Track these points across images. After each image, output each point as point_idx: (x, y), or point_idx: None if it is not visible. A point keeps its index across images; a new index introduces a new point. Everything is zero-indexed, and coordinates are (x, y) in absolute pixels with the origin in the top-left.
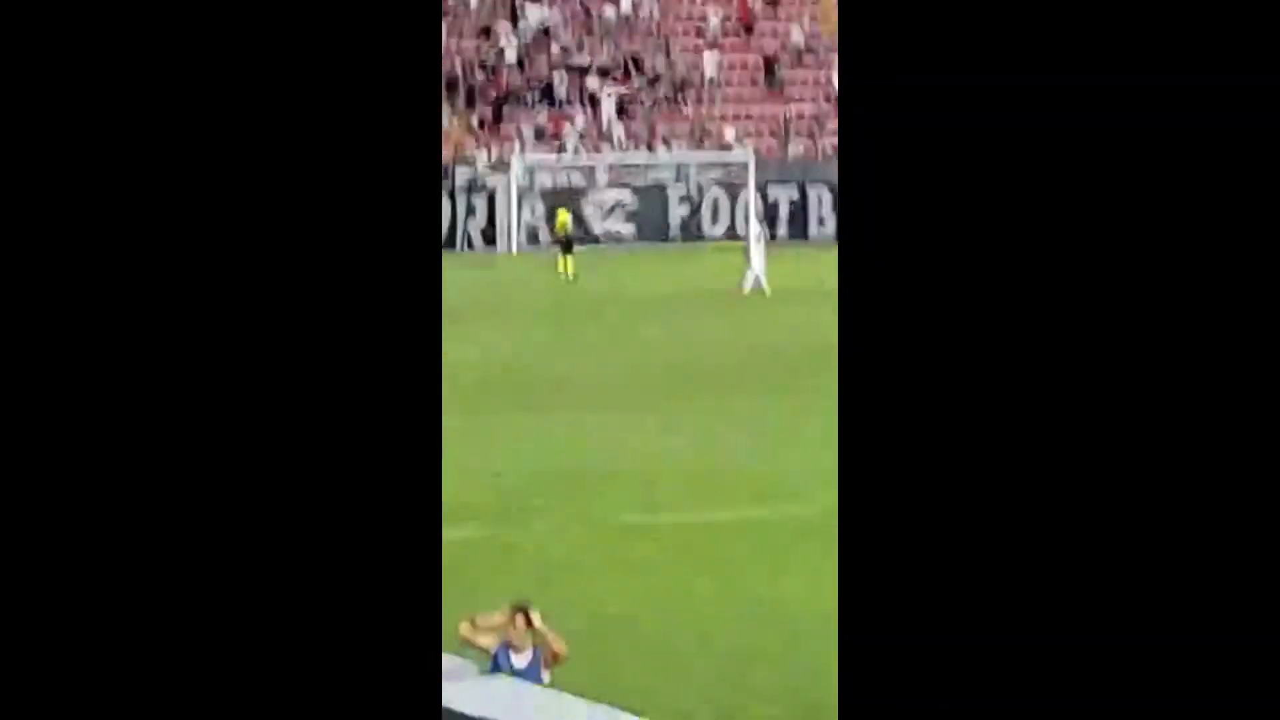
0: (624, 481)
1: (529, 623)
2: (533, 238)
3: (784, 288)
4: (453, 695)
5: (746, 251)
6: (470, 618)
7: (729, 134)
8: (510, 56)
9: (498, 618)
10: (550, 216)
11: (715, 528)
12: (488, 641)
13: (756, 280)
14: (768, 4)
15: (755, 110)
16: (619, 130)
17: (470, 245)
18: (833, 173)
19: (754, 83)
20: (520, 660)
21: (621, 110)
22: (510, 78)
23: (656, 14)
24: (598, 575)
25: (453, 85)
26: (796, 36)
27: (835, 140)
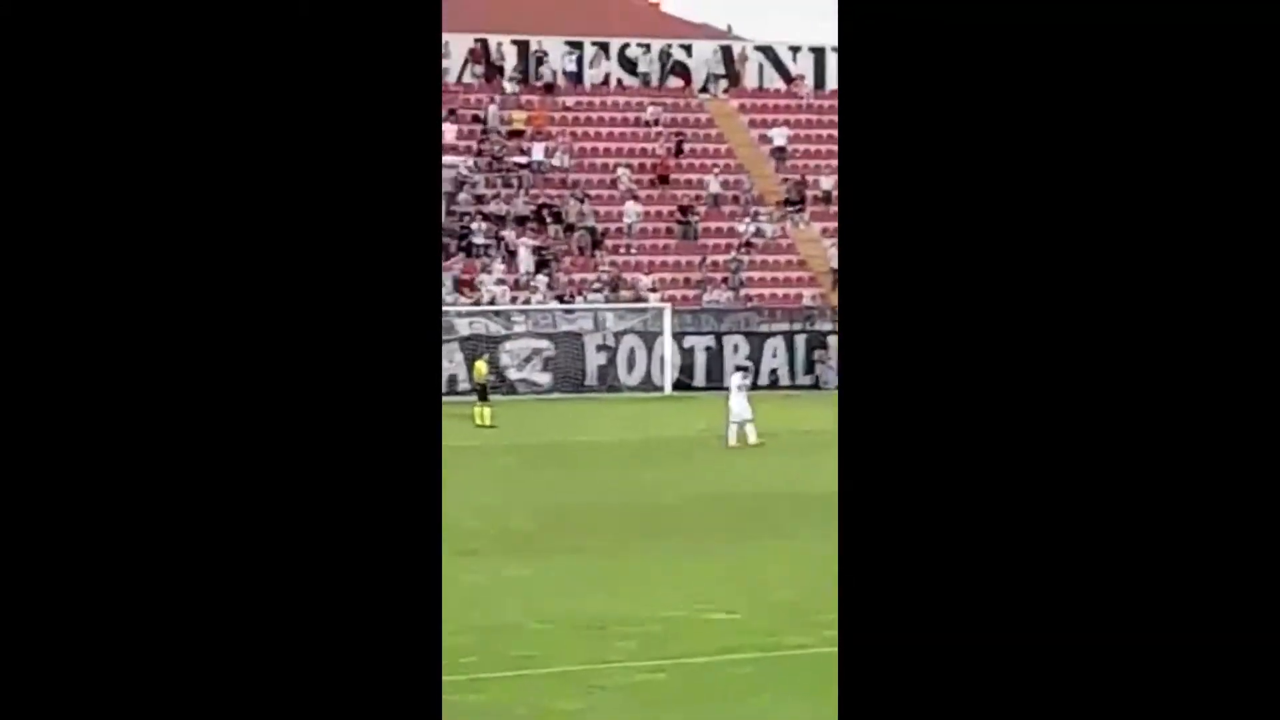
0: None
1: None
2: (451, 386)
3: (690, 437)
4: None
5: (727, 401)
6: None
7: (645, 282)
8: None
9: None
10: (469, 364)
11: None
12: None
13: (741, 430)
14: (680, 155)
15: (671, 259)
16: (537, 279)
17: None
18: (748, 321)
19: (669, 232)
20: None
21: (539, 260)
22: None
23: (568, 162)
24: None
25: None
26: (714, 187)
27: (749, 290)
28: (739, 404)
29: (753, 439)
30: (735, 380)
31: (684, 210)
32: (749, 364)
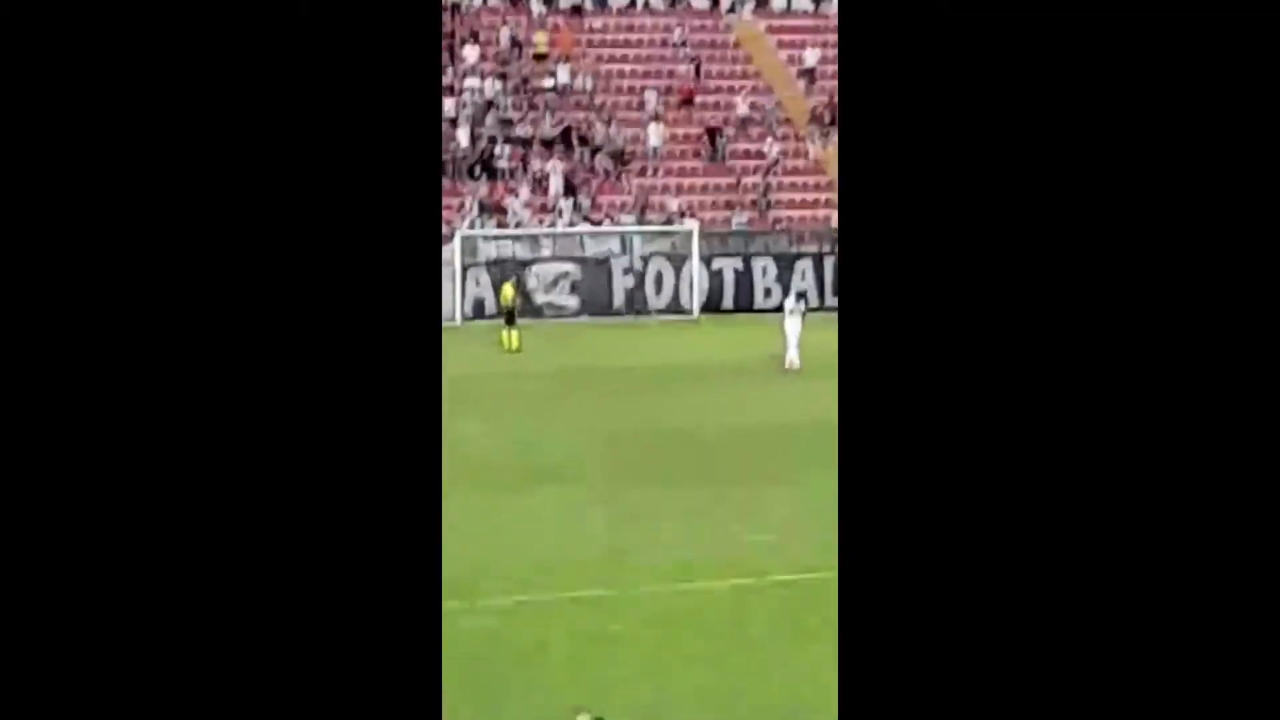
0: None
1: None
2: (479, 310)
3: (734, 359)
4: None
5: (783, 326)
6: None
7: (673, 205)
8: (451, 129)
9: None
10: (496, 289)
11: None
12: None
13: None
14: (708, 76)
15: (699, 182)
16: (564, 203)
17: None
18: (776, 244)
19: (697, 154)
20: None
21: (566, 183)
22: (453, 150)
23: (594, 85)
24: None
25: None
26: (741, 109)
27: (779, 211)
28: (792, 327)
29: (792, 364)
30: (789, 304)
31: (711, 132)
32: (804, 288)
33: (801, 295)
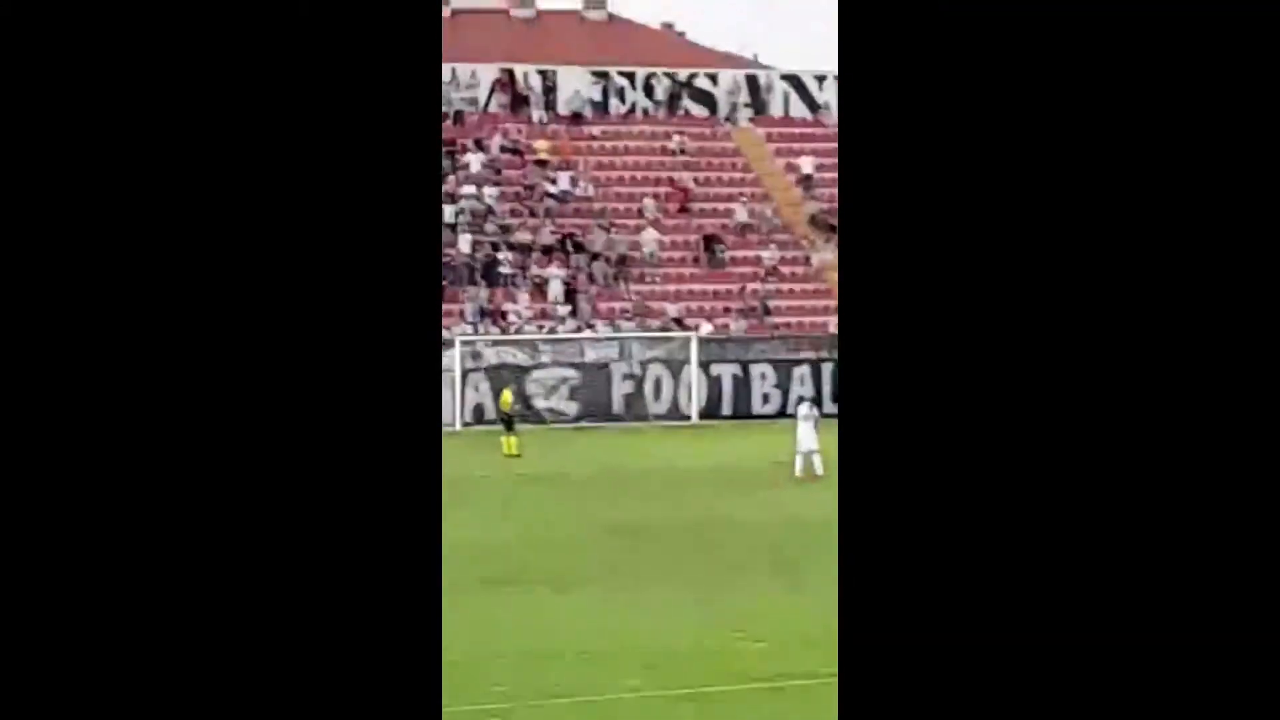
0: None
1: None
2: (478, 416)
3: (727, 464)
4: None
5: (795, 431)
6: None
7: (671, 311)
8: (451, 235)
9: None
10: (495, 394)
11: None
12: None
13: (808, 461)
14: (705, 184)
15: (697, 288)
16: (563, 309)
17: None
18: (775, 350)
19: (695, 261)
20: None
21: (565, 289)
22: (455, 256)
23: (594, 191)
24: None
25: None
26: (740, 215)
27: (775, 318)
28: (805, 434)
29: (819, 470)
30: (801, 410)
31: (709, 240)
32: (811, 394)
33: (814, 400)
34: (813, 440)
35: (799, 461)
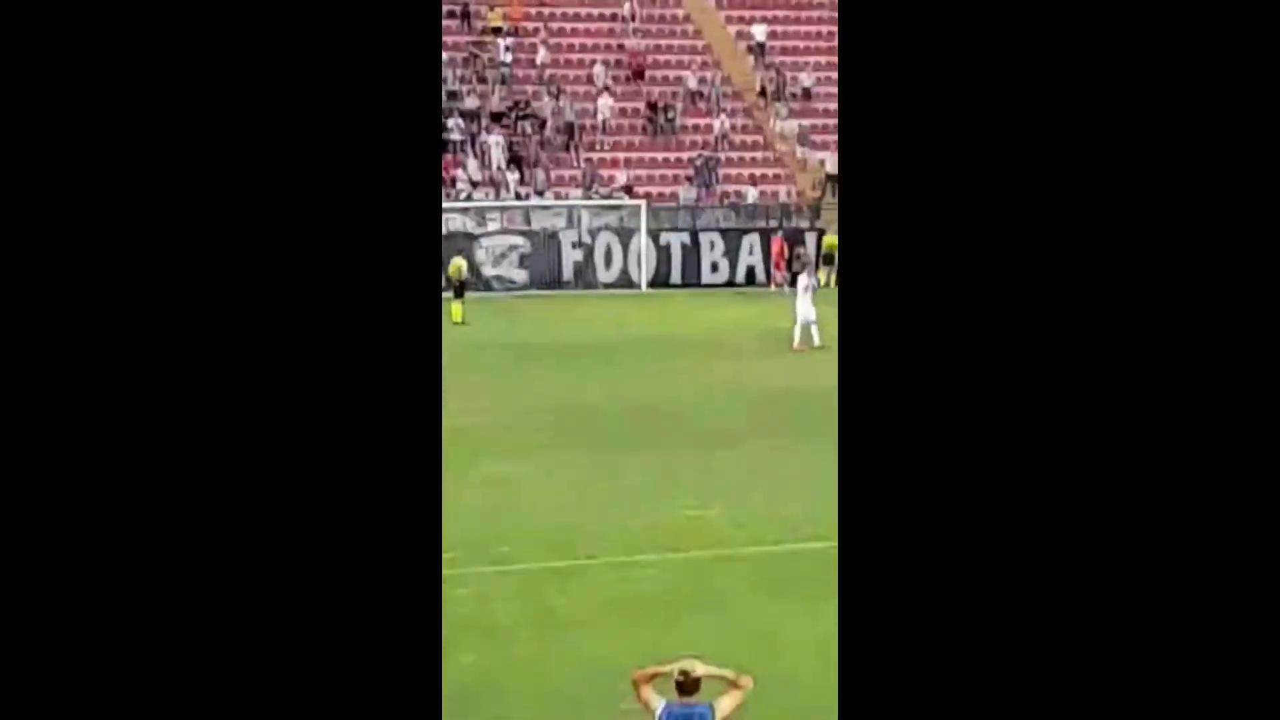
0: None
1: (691, 688)
2: None
3: (677, 333)
4: None
5: (793, 304)
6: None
7: (620, 179)
8: None
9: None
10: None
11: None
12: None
13: (807, 331)
14: (656, 51)
15: (647, 156)
16: (511, 176)
17: None
18: (724, 218)
19: (644, 129)
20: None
21: (513, 156)
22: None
23: (546, 58)
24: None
25: None
26: (690, 82)
27: (726, 185)
28: (804, 304)
29: (817, 340)
30: (801, 281)
31: (658, 107)
32: (809, 260)
33: (809, 268)
34: (809, 311)
35: (797, 333)
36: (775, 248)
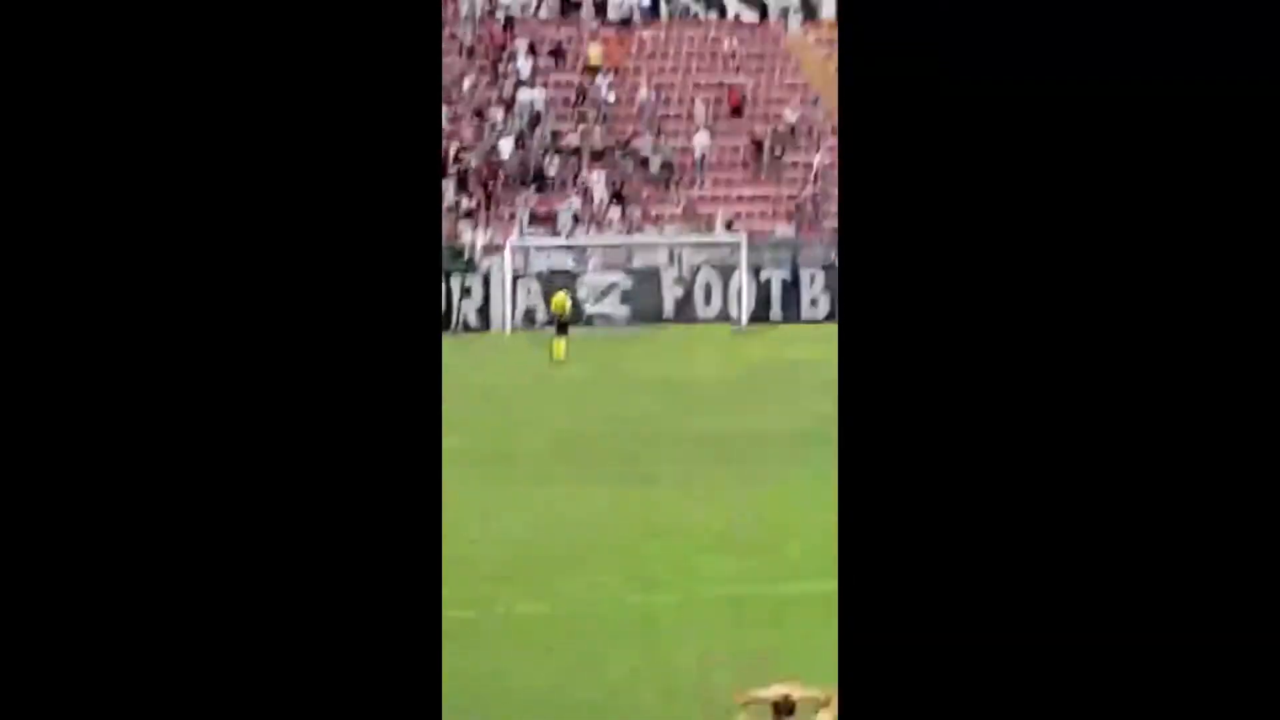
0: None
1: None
2: (528, 319)
3: (778, 364)
4: None
5: None
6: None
7: (721, 215)
8: (503, 141)
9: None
10: (546, 298)
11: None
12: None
13: None
14: (757, 88)
15: (747, 192)
16: (613, 213)
17: (466, 326)
18: (825, 255)
19: (745, 165)
20: None
21: (615, 193)
22: (505, 160)
23: (645, 96)
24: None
25: (445, 169)
26: (790, 117)
27: (829, 222)
28: None
29: None
30: None
31: (760, 144)
32: None
33: None
34: None
35: None
36: None
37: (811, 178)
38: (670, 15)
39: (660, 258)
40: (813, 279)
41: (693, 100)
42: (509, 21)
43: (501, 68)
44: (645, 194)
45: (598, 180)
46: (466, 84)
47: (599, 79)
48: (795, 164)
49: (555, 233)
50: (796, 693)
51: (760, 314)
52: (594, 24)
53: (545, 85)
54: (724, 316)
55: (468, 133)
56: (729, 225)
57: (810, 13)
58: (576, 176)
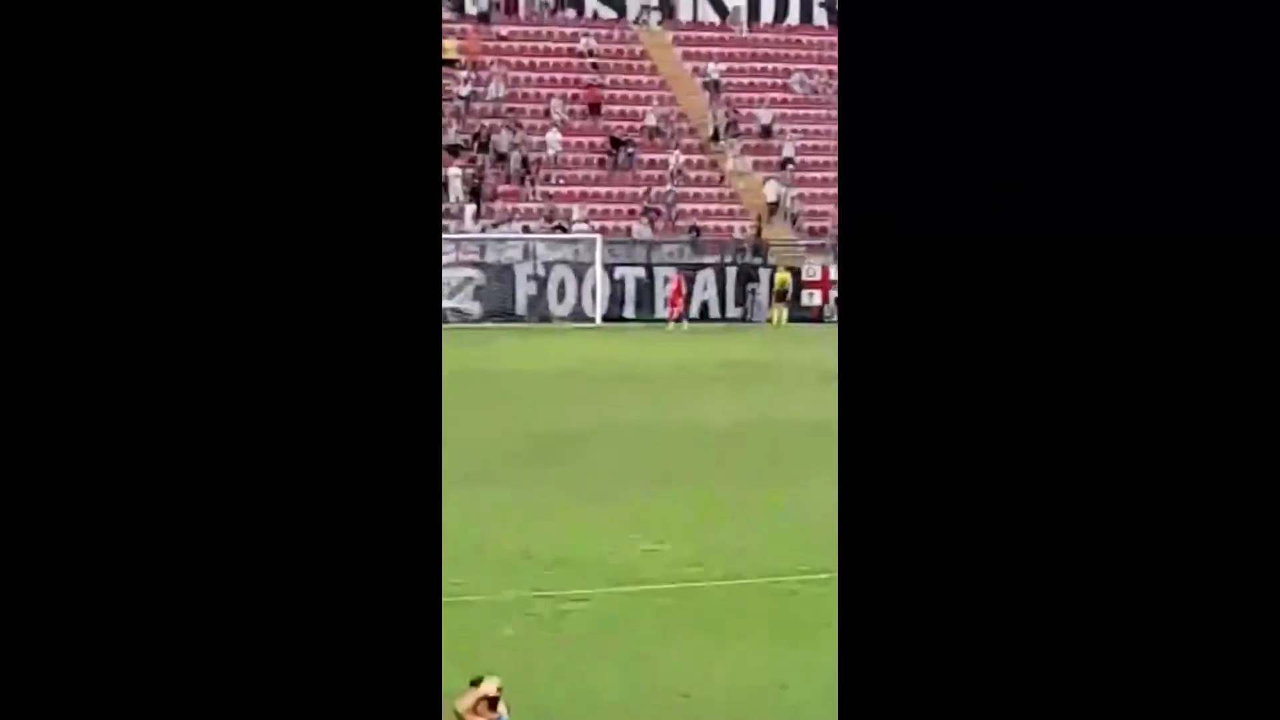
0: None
1: (491, 705)
2: None
3: (632, 364)
4: None
5: None
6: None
7: (576, 213)
8: None
9: (467, 701)
10: None
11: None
12: None
13: None
14: (614, 86)
15: (602, 190)
16: (469, 208)
17: None
18: (679, 253)
19: (601, 163)
20: None
21: (470, 189)
22: None
23: (502, 92)
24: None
25: None
26: (648, 119)
27: (683, 221)
28: None
29: None
30: None
31: (616, 142)
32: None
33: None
34: None
35: None
36: (673, 286)
37: (667, 178)
38: (529, 11)
39: (515, 253)
40: (666, 279)
41: (549, 97)
42: None
43: None
44: (501, 190)
45: (454, 175)
46: None
47: (456, 73)
48: (652, 163)
49: None
50: (493, 687)
51: (614, 313)
52: (451, 18)
53: None
54: (578, 314)
55: None
56: (585, 223)
57: (669, 12)
58: None
